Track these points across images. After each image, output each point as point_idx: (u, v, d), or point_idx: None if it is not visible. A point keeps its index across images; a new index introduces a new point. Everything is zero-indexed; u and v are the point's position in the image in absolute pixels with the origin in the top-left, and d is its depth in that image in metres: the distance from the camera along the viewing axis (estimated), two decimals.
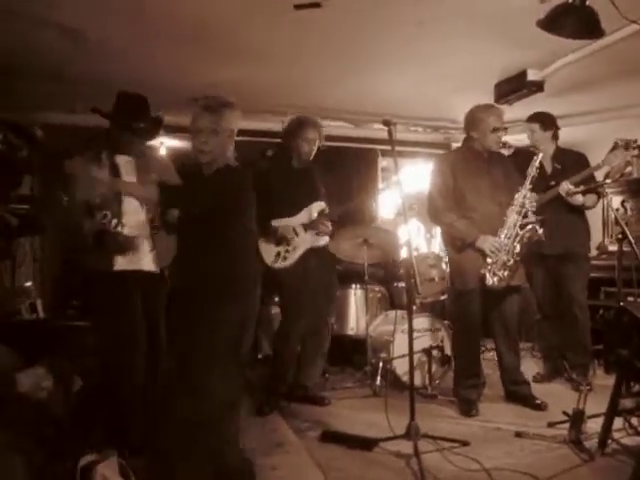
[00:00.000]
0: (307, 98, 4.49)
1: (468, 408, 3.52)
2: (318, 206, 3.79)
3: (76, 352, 3.34)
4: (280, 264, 3.66)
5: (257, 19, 3.10)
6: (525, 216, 3.39)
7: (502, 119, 3.49)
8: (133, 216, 2.95)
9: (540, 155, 3.45)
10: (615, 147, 4.49)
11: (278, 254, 3.67)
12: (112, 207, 2.87)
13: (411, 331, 2.99)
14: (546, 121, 3.87)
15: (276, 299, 4.57)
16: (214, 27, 3.21)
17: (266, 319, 4.84)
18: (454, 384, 3.71)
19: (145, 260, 2.98)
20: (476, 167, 3.53)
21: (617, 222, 3.45)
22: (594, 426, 2.89)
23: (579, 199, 3.78)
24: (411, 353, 2.97)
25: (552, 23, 2.33)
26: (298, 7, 2.85)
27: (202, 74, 3.93)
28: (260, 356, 4.90)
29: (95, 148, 2.94)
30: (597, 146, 4.66)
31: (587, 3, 2.22)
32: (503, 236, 3.40)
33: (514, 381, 3.70)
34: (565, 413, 3.04)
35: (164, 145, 5.44)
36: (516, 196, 3.40)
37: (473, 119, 3.56)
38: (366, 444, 2.95)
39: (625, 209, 4.59)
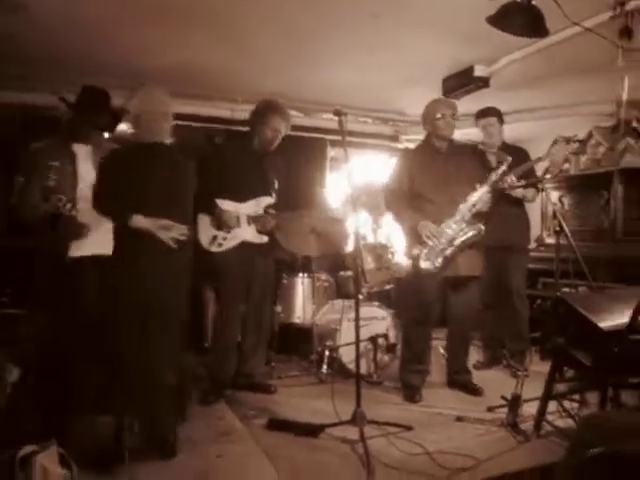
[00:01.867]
0: (258, 85, 4.43)
1: (412, 394, 3.62)
2: (266, 200, 3.73)
3: (11, 341, 3.24)
4: (214, 248, 3.61)
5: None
6: (474, 214, 3.49)
7: (450, 107, 3.56)
8: (86, 203, 2.97)
9: (506, 163, 3.52)
10: (555, 143, 4.69)
11: (214, 238, 3.62)
12: (67, 192, 2.91)
13: (358, 319, 3.02)
14: (500, 116, 4.02)
15: None
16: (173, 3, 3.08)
17: (213, 307, 4.79)
18: (400, 370, 3.80)
19: (97, 244, 3.01)
20: (432, 162, 3.62)
21: (555, 216, 3.61)
22: (530, 410, 3.04)
23: (519, 191, 3.93)
24: (358, 340, 3.01)
25: (501, 20, 2.40)
26: None
27: (153, 54, 3.79)
28: (207, 344, 4.85)
29: (55, 135, 3.11)
30: (538, 142, 4.86)
31: (533, 3, 2.30)
32: (446, 226, 3.49)
33: (458, 370, 3.83)
34: (503, 398, 3.16)
35: None
36: (471, 194, 3.49)
37: (424, 114, 3.66)
38: (312, 431, 2.98)
39: (562, 204, 4.79)
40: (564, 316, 2.79)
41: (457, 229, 3.48)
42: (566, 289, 4.00)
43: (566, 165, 4.31)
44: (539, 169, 4.18)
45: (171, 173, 2.84)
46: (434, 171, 3.59)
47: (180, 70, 4.08)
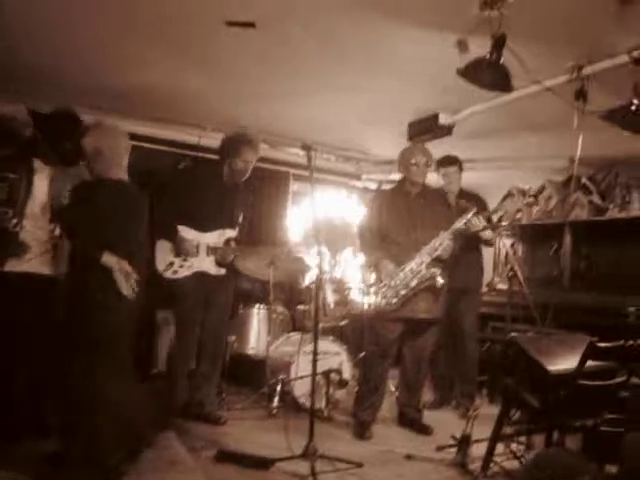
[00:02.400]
0: (227, 114, 4.48)
1: (362, 431, 3.63)
2: (228, 233, 3.74)
3: None
4: (169, 275, 3.59)
5: (193, 27, 3.05)
6: (434, 259, 3.58)
7: (424, 155, 3.67)
8: (33, 221, 2.98)
9: (472, 212, 3.63)
10: (509, 194, 4.92)
11: (171, 264, 3.60)
12: (16, 207, 2.91)
13: (316, 351, 3.04)
14: (460, 164, 4.18)
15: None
16: (146, 21, 3.07)
17: (164, 333, 4.71)
18: (354, 405, 3.82)
19: (35, 263, 2.98)
20: (402, 205, 3.74)
21: (507, 262, 3.75)
22: (477, 451, 3.09)
23: (489, 233, 4.06)
24: (314, 373, 3.02)
25: (470, 73, 2.55)
26: (231, 24, 2.87)
27: (123, 73, 3.78)
28: (155, 370, 4.74)
29: (16, 147, 3.07)
30: (492, 190, 5.08)
31: (501, 62, 2.45)
32: (407, 268, 3.58)
33: (409, 406, 3.87)
34: (453, 437, 3.21)
35: None
36: (434, 239, 3.58)
37: (399, 159, 3.78)
38: (263, 464, 2.94)
39: (515, 251, 4.98)
40: (514, 358, 2.88)
41: (415, 271, 3.57)
42: (514, 333, 4.12)
43: (519, 215, 4.48)
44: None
45: (131, 213, 2.89)
46: (402, 214, 3.70)
47: (149, 92, 4.08)
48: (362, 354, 4.93)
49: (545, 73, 2.95)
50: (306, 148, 3.12)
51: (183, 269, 3.58)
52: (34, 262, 2.96)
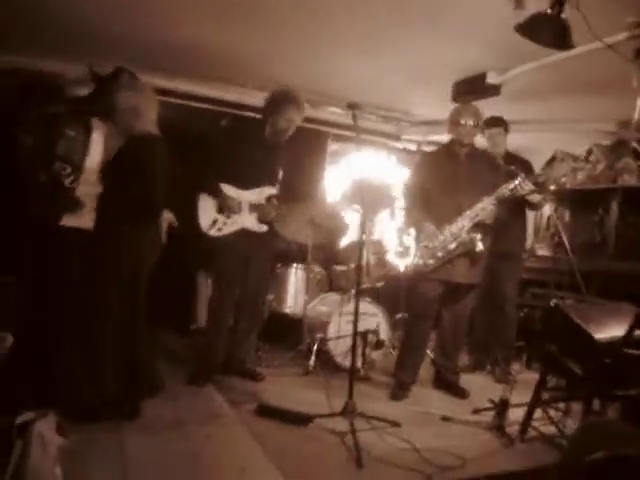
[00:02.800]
0: (268, 72, 4.42)
1: (401, 391, 3.68)
2: (269, 191, 3.74)
3: (2, 308, 3.23)
4: (213, 232, 3.61)
5: None
6: (476, 224, 3.53)
7: (473, 115, 3.59)
8: (89, 177, 3.07)
9: (519, 179, 3.50)
10: (555, 157, 4.78)
11: (215, 221, 3.61)
12: (73, 164, 2.90)
13: (357, 312, 3.05)
14: (506, 125, 4.06)
15: None
16: None
17: (204, 290, 4.79)
18: (395, 365, 3.85)
19: (87, 218, 3.02)
20: (447, 167, 3.68)
21: (549, 227, 3.64)
22: (513, 416, 3.10)
23: (537, 196, 3.96)
24: (355, 333, 3.04)
25: (529, 30, 2.43)
26: None
27: (167, 29, 3.72)
28: (193, 327, 4.86)
29: (74, 104, 3.09)
30: (538, 154, 4.94)
31: (562, 16, 2.34)
32: (447, 231, 3.55)
33: (445, 367, 3.89)
34: (491, 401, 3.22)
35: None
36: (477, 204, 3.53)
37: (449, 119, 3.70)
38: (303, 419, 3.01)
39: (559, 217, 4.86)
40: (558, 325, 2.85)
41: (454, 235, 3.54)
42: (555, 300, 4.07)
43: (563, 179, 4.35)
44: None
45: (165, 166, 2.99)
46: (448, 176, 3.65)
47: (192, 48, 4.02)
48: (399, 315, 4.99)
49: (603, 30, 2.79)
50: (352, 107, 3.06)
51: (227, 226, 3.61)
52: (86, 218, 3.02)
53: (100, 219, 2.90)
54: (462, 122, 3.59)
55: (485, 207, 3.52)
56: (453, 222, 3.55)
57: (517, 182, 3.50)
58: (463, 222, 3.54)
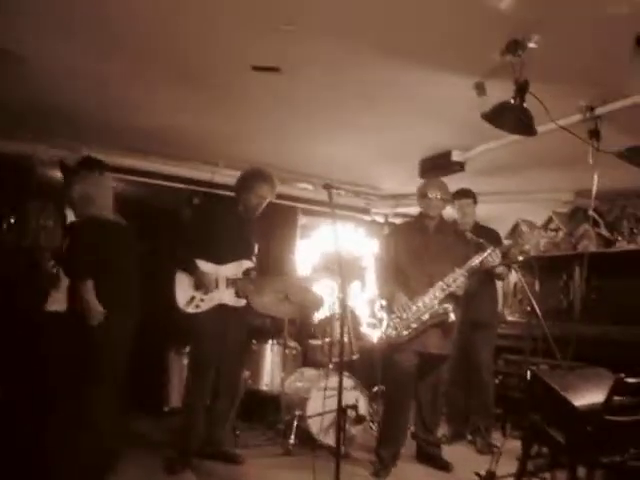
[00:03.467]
0: (241, 151, 4.56)
1: (383, 468, 3.58)
2: (247, 264, 3.76)
3: None
4: (191, 309, 3.57)
5: (216, 70, 3.12)
6: (447, 295, 3.60)
7: (439, 188, 3.71)
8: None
9: (489, 251, 3.62)
10: (517, 226, 4.99)
11: (192, 299, 3.58)
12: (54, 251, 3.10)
13: (341, 388, 3.01)
14: (475, 197, 4.24)
15: (187, 350, 4.49)
16: (166, 64, 3.16)
17: (177, 370, 4.68)
18: (377, 442, 3.78)
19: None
20: (418, 239, 3.78)
21: (516, 294, 3.72)
22: None
23: (502, 269, 4.11)
24: (340, 409, 3.00)
25: (495, 117, 2.62)
26: (256, 69, 2.95)
27: (142, 114, 3.85)
28: (166, 409, 4.69)
29: (49, 196, 3.28)
30: (501, 223, 5.15)
31: (525, 105, 2.54)
32: (420, 302, 3.60)
33: (427, 441, 3.84)
34: (477, 474, 3.19)
35: None
36: (449, 275, 3.61)
37: (417, 193, 3.83)
38: None
39: (528, 283, 5.00)
40: (538, 393, 2.89)
41: (427, 306, 3.59)
42: (533, 367, 4.13)
43: (526, 247, 4.53)
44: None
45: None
46: (418, 248, 3.73)
47: (165, 131, 4.15)
48: (375, 388, 4.94)
49: (558, 113, 3.03)
50: (327, 187, 3.15)
51: (205, 302, 3.59)
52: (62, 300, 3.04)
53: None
54: (430, 196, 3.71)
55: (456, 278, 3.61)
56: (425, 293, 3.61)
57: (487, 253, 3.62)
58: (435, 293, 3.60)
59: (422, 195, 3.76)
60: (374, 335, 5.19)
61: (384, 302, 3.90)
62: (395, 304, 3.63)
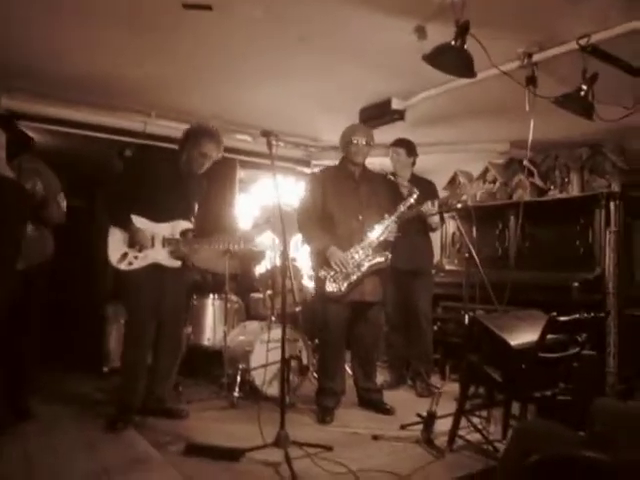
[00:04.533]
0: (174, 100, 4.36)
1: (324, 415, 3.65)
2: (184, 225, 3.64)
3: None
4: (123, 267, 3.45)
5: (146, 9, 2.92)
6: (381, 242, 3.64)
7: (365, 135, 3.69)
8: None
9: (415, 193, 3.70)
10: (455, 177, 5.06)
11: (125, 255, 3.45)
12: None
13: (284, 340, 3.03)
14: (411, 148, 4.24)
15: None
16: (95, 4, 2.91)
17: (115, 329, 4.55)
18: (317, 392, 3.83)
19: None
20: (345, 185, 3.74)
21: (454, 243, 3.80)
22: (438, 427, 3.20)
23: (435, 219, 4.17)
24: (283, 360, 3.02)
25: (435, 59, 2.59)
26: (187, 7, 2.78)
27: (68, 58, 3.57)
28: (106, 369, 4.58)
29: None
30: (438, 174, 5.22)
31: (465, 47, 2.52)
32: (354, 252, 3.62)
33: (367, 389, 3.92)
34: (419, 415, 3.30)
35: None
36: (380, 223, 3.63)
37: (340, 138, 3.79)
38: (234, 454, 2.91)
39: (461, 232, 5.13)
40: (477, 336, 2.99)
41: (364, 255, 3.61)
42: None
43: (464, 197, 4.62)
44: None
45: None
46: (346, 195, 3.70)
47: (92, 78, 3.89)
48: (318, 341, 4.99)
49: (497, 59, 3.02)
50: (266, 134, 3.06)
51: (138, 260, 3.46)
52: None
53: None
54: (354, 141, 3.68)
55: (388, 225, 3.65)
56: (359, 242, 3.62)
57: (412, 199, 3.67)
58: (370, 241, 3.62)
59: (347, 140, 3.71)
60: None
61: (310, 250, 3.84)
62: (332, 259, 3.59)
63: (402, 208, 3.69)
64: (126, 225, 3.45)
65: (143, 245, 3.47)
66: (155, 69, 3.72)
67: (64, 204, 3.57)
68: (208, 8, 2.76)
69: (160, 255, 3.53)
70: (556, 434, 1.75)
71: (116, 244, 3.46)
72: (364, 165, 3.83)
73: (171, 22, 3.01)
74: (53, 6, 2.89)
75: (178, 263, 3.60)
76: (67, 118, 4.39)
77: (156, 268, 3.52)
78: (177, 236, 3.58)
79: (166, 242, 3.54)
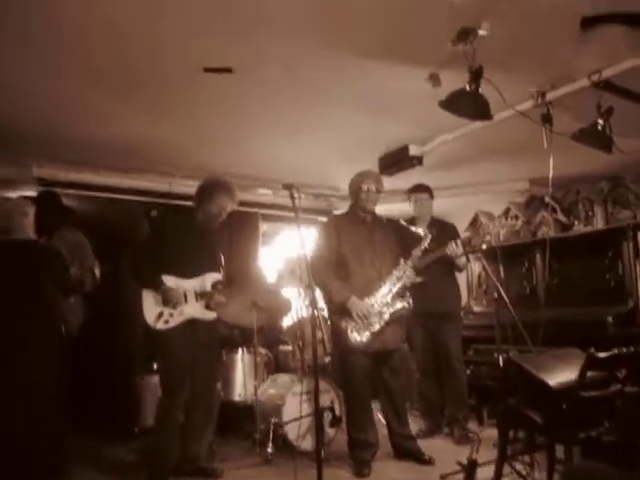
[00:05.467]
0: (196, 160, 4.48)
1: (361, 468, 3.55)
2: (213, 278, 3.68)
3: None
4: (161, 325, 3.47)
5: (167, 75, 3.06)
6: (401, 287, 3.61)
7: (374, 181, 3.71)
8: None
9: (428, 237, 3.67)
10: (476, 217, 5.07)
11: (161, 314, 3.48)
12: None
13: (317, 391, 2.97)
14: (431, 191, 4.27)
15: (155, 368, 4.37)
16: (115, 73, 3.06)
17: (147, 389, 4.54)
18: (348, 445, 3.73)
19: None
20: (358, 232, 3.74)
21: (480, 284, 3.74)
22: (480, 475, 3.09)
23: (463, 259, 4.15)
24: (317, 412, 2.96)
25: (451, 105, 2.66)
26: (208, 70, 2.90)
27: (92, 125, 3.73)
28: (137, 429, 4.54)
29: None
30: (459, 216, 5.23)
31: (480, 91, 2.58)
32: (374, 301, 3.58)
33: (402, 435, 3.82)
34: (459, 464, 3.19)
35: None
36: (397, 268, 3.62)
37: (350, 185, 3.82)
38: None
39: (487, 273, 5.09)
40: (513, 378, 2.91)
41: (384, 303, 3.58)
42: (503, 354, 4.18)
43: (487, 237, 4.61)
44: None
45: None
46: (360, 242, 3.70)
47: (118, 142, 4.04)
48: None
49: (511, 100, 3.09)
50: (288, 187, 3.11)
51: (174, 317, 3.48)
52: None
53: None
54: (364, 188, 3.70)
55: (405, 270, 3.62)
56: (378, 289, 3.59)
57: (425, 242, 3.65)
58: (389, 288, 3.59)
59: (357, 188, 3.73)
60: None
61: (325, 299, 3.76)
62: (353, 309, 3.54)
63: (417, 252, 3.66)
64: (157, 285, 3.49)
65: (177, 302, 3.50)
66: (177, 131, 3.86)
67: (98, 272, 3.67)
68: (228, 71, 2.88)
69: (195, 309, 3.56)
70: (607, 477, 1.69)
71: (150, 305, 3.49)
72: (374, 211, 3.84)
73: (191, 85, 3.13)
74: (76, 74, 3.04)
75: (213, 315, 3.64)
76: (93, 182, 4.55)
77: (189, 324, 3.54)
78: (208, 289, 3.61)
79: (199, 296, 3.57)
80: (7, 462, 2.87)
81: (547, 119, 3.09)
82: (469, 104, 2.59)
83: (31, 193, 4.49)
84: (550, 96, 3.11)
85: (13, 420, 2.95)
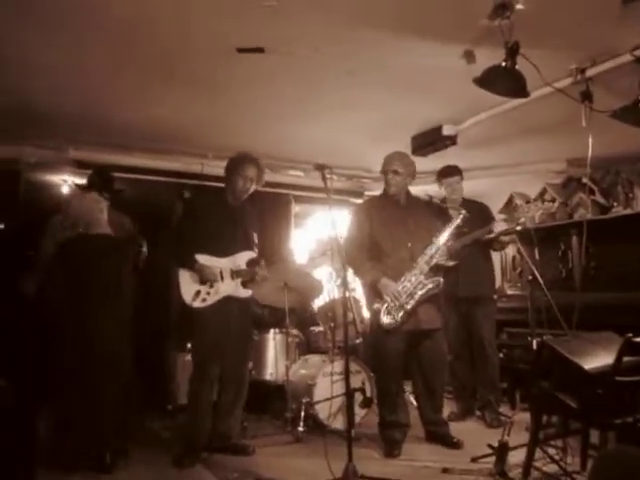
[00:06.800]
0: (228, 140, 4.49)
1: (391, 449, 3.56)
2: (248, 256, 3.70)
3: None
4: (198, 304, 3.52)
5: (199, 54, 3.06)
6: (432, 267, 3.57)
7: (400, 162, 3.65)
8: None
9: (463, 214, 3.63)
10: (511, 199, 4.97)
11: (198, 293, 3.53)
12: None
13: (347, 372, 3.00)
14: (461, 172, 4.20)
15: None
16: (148, 57, 3.09)
17: (180, 367, 4.63)
18: (379, 425, 3.75)
19: None
20: (391, 214, 3.71)
21: (515, 267, 3.68)
22: (512, 459, 3.06)
23: (506, 237, 4.08)
24: (348, 392, 2.98)
25: (487, 82, 2.59)
26: (241, 50, 2.89)
27: (126, 108, 3.78)
28: (170, 407, 4.64)
29: None
30: (494, 197, 5.13)
31: (517, 67, 2.51)
32: (406, 280, 3.55)
33: (433, 422, 3.81)
34: (490, 446, 3.17)
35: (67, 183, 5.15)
36: (429, 247, 3.58)
37: (382, 167, 3.77)
38: None
39: (521, 256, 5.00)
40: (547, 361, 2.87)
41: (416, 282, 3.54)
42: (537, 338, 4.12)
43: (522, 219, 4.51)
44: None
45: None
46: (393, 224, 3.67)
47: (152, 125, 4.09)
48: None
49: (549, 77, 2.99)
50: (319, 168, 3.11)
51: (211, 296, 3.53)
52: None
53: None
54: (387, 171, 3.65)
55: (438, 248, 3.57)
56: (411, 270, 3.56)
57: (459, 221, 3.60)
58: (421, 268, 3.56)
59: (383, 171, 3.69)
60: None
61: (361, 282, 3.80)
62: (384, 291, 3.54)
63: (449, 229, 3.62)
64: (192, 265, 3.54)
65: (213, 280, 3.55)
66: (210, 112, 3.87)
67: (145, 251, 3.78)
68: (261, 51, 2.87)
69: (231, 287, 3.60)
70: None
71: (187, 284, 3.54)
72: (408, 192, 3.80)
73: (225, 67, 3.13)
74: (110, 57, 3.08)
75: (249, 293, 3.67)
76: (128, 164, 4.61)
77: (225, 302, 3.58)
78: (243, 267, 3.65)
79: (234, 274, 3.61)
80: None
81: (587, 96, 2.98)
82: (505, 81, 2.52)
83: (67, 176, 4.61)
84: (590, 72, 3.00)
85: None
